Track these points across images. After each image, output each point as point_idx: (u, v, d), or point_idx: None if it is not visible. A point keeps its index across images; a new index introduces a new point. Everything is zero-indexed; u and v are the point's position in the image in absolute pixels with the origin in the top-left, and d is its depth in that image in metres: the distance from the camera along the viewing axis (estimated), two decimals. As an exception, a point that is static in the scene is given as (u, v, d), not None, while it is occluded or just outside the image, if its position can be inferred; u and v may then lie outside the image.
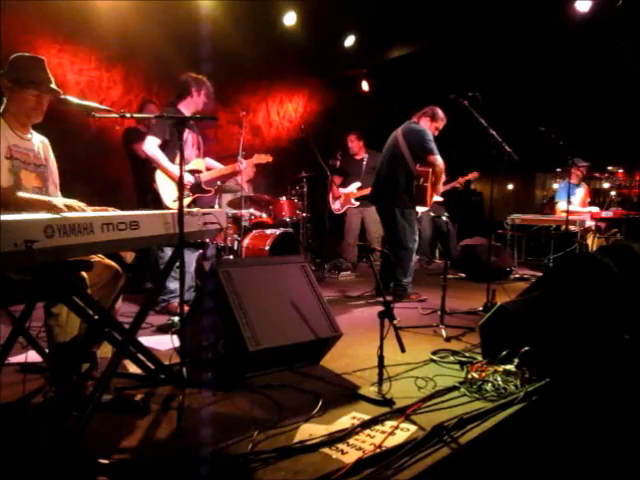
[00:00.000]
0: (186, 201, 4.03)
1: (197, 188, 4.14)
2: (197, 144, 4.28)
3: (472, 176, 7.24)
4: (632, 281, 3.17)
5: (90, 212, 2.26)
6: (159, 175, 4.00)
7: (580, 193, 7.09)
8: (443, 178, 5.01)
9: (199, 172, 4.17)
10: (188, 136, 4.13)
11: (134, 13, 5.50)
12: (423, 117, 4.98)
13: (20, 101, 2.45)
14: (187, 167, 4.10)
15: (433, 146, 4.75)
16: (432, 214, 7.13)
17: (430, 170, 4.77)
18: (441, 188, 6.92)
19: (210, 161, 4.45)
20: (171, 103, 4.17)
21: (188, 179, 4.06)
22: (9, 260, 1.62)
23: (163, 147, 4.00)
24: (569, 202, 5.64)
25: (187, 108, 4.12)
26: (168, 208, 3.82)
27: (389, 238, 5.04)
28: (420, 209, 6.91)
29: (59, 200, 2.33)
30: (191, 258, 4.26)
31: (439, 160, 4.74)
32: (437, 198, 7.12)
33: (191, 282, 4.29)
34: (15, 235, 1.60)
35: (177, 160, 3.73)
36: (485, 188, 9.77)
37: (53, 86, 2.48)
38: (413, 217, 4.90)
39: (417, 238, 4.95)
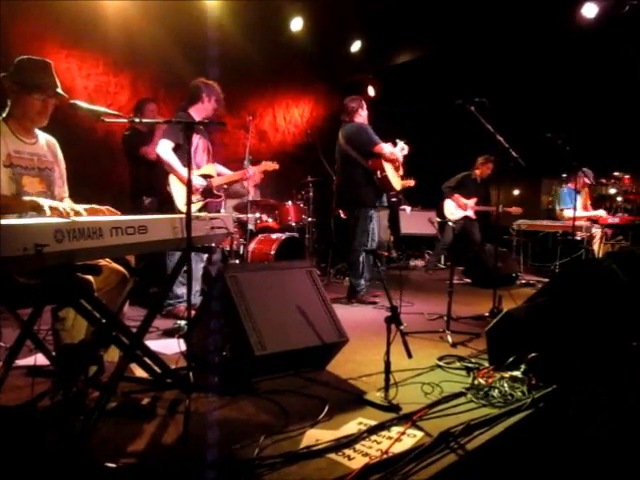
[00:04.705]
0: (198, 205, 4.06)
1: (209, 193, 4.17)
2: (207, 149, 4.32)
3: (515, 211, 7.21)
4: (638, 287, 3.15)
5: (76, 217, 2.03)
6: (173, 178, 4.03)
7: (580, 198, 7.06)
8: (400, 159, 5.01)
9: (211, 177, 4.20)
10: (199, 142, 4.19)
11: (142, 18, 5.55)
12: (354, 114, 5.06)
13: (25, 105, 2.41)
14: (199, 172, 4.14)
15: (374, 138, 4.86)
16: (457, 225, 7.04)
17: (382, 160, 4.85)
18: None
19: (219, 167, 4.46)
20: (182, 108, 4.21)
21: (200, 183, 4.09)
22: (19, 264, 1.64)
23: (176, 151, 4.03)
24: (574, 208, 5.65)
25: (198, 113, 4.17)
26: (181, 212, 3.83)
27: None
28: (453, 217, 6.88)
29: (46, 201, 2.15)
30: (198, 264, 4.26)
31: (385, 148, 4.83)
32: (469, 213, 7.07)
33: (197, 287, 4.30)
34: (25, 239, 1.60)
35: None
36: (491, 193, 9.72)
37: (59, 90, 2.45)
38: (368, 216, 4.90)
39: (375, 238, 4.98)
